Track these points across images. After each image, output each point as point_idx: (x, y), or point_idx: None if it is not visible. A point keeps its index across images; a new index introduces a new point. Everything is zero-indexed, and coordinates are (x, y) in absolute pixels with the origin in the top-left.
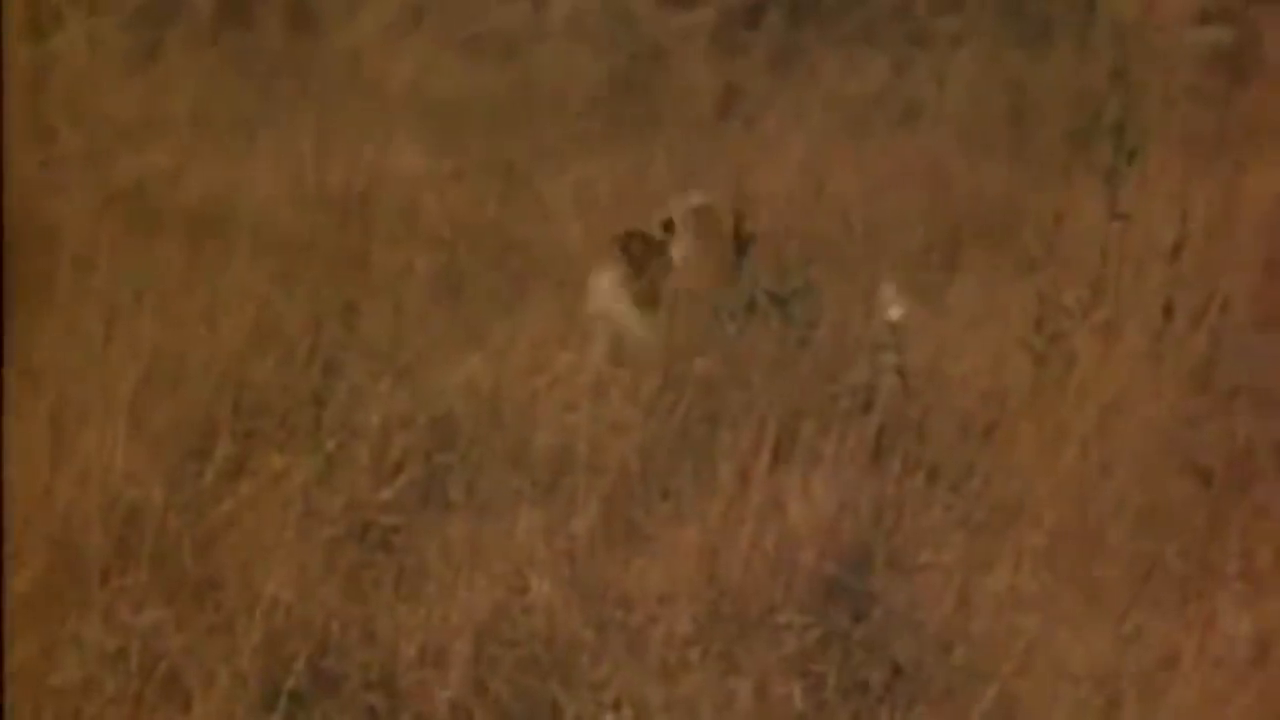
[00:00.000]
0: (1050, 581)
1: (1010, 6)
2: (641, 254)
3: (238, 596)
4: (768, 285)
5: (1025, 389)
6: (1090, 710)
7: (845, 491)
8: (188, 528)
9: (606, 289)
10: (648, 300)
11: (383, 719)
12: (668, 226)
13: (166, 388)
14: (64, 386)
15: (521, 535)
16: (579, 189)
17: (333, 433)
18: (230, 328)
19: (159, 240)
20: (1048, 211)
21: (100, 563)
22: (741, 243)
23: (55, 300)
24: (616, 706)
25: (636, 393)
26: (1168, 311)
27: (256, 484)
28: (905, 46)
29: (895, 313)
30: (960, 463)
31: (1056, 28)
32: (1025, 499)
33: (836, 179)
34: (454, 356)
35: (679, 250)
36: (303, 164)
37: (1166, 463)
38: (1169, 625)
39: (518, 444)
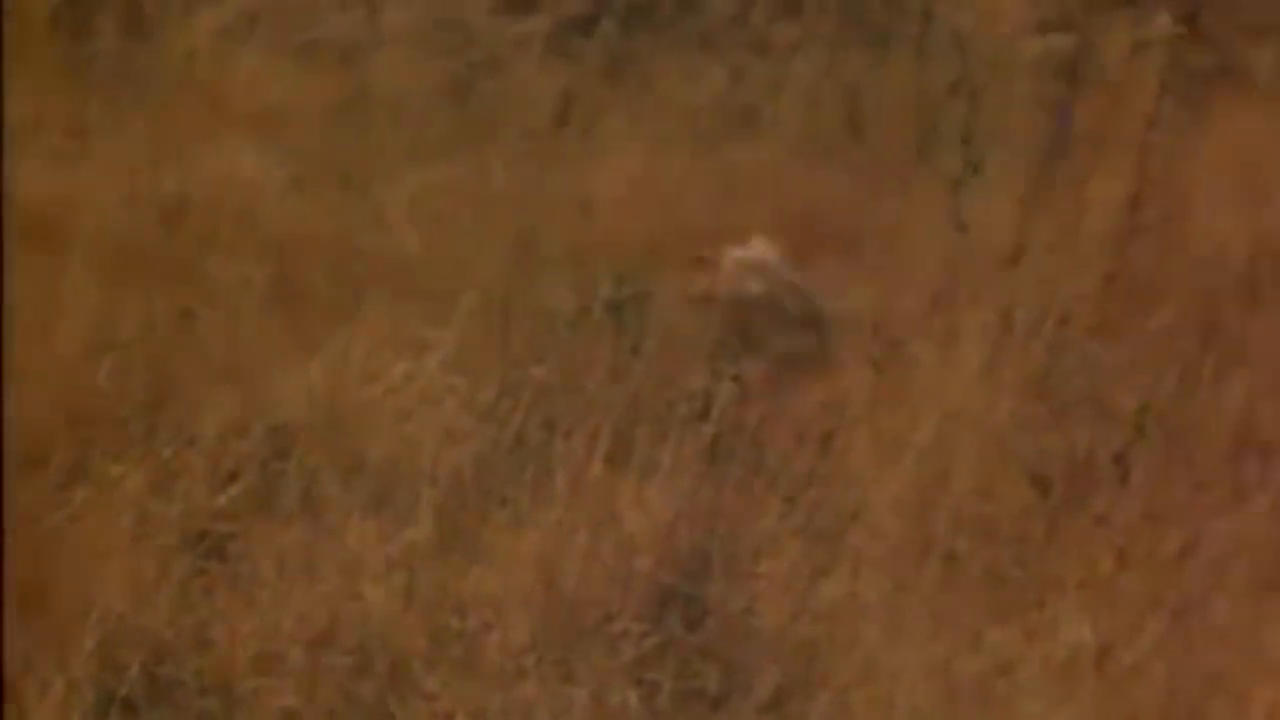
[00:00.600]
0: (888, 590)
1: (849, 14)
2: None
3: (71, 604)
4: (604, 293)
5: (864, 397)
6: (926, 716)
7: (681, 499)
8: (22, 535)
9: None
10: None
11: None
12: None
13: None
14: None
15: (356, 543)
16: (416, 197)
17: (168, 441)
18: (65, 335)
19: None
20: (888, 220)
21: None
22: None
23: None
24: (451, 715)
25: (472, 401)
26: (1007, 321)
27: (91, 492)
28: (742, 54)
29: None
30: (798, 471)
31: (895, 36)
32: (863, 507)
33: (674, 187)
34: (290, 365)
35: None
36: (137, 170)
37: (1005, 472)
38: (1008, 633)
39: (353, 452)
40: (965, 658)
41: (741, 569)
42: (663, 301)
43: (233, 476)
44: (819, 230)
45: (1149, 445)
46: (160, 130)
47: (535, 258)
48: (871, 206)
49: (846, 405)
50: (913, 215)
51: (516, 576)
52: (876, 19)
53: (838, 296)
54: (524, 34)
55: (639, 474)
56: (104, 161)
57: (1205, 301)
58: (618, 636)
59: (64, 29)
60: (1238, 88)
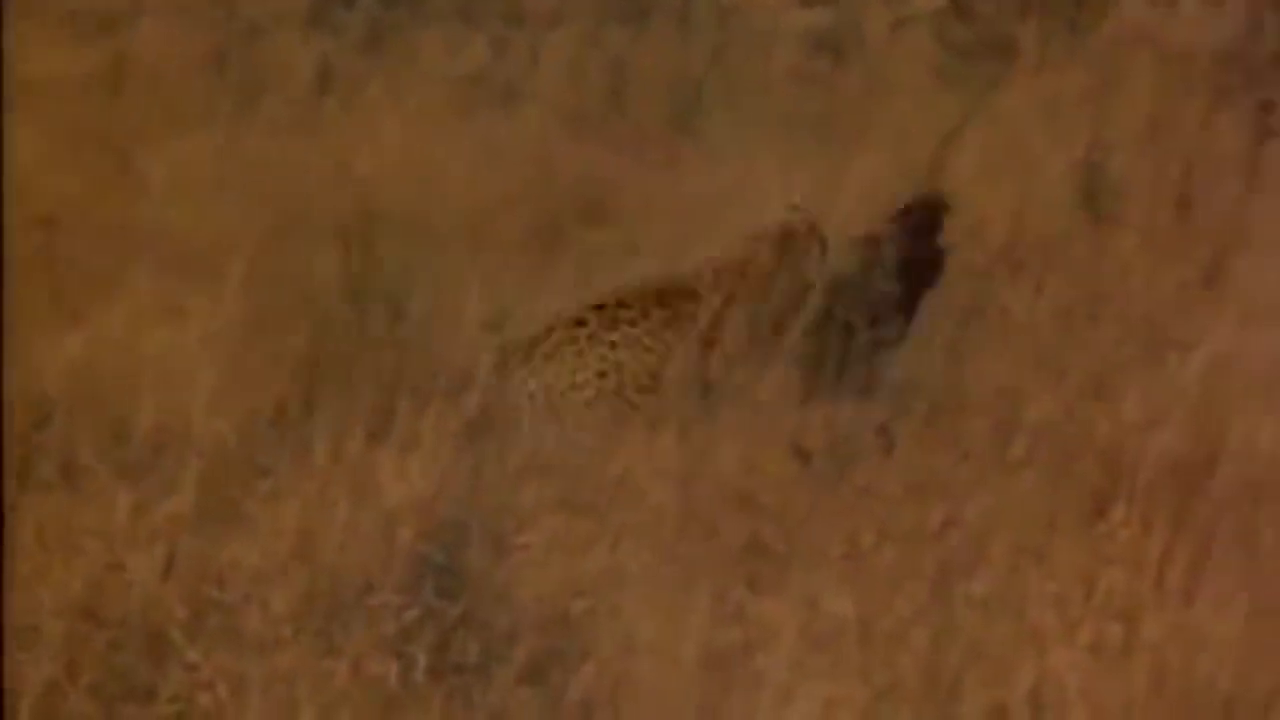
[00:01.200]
0: (651, 561)
1: None
2: None
3: None
4: (366, 264)
5: None
6: (691, 689)
7: (442, 471)
8: None
9: None
10: None
11: None
12: None
13: None
14: None
15: (117, 514)
16: (177, 168)
17: None
18: None
19: None
20: (649, 192)
21: None
22: None
23: None
24: (212, 685)
25: (234, 371)
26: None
27: None
28: (503, 26)
29: None
30: (560, 443)
31: (656, 7)
32: (626, 478)
33: (436, 160)
34: (53, 336)
35: None
36: None
37: (768, 444)
38: (771, 604)
39: (115, 423)
40: (726, 629)
41: (502, 541)
42: (425, 272)
43: None
44: (581, 201)
45: (912, 418)
46: None
47: (297, 227)
48: (633, 178)
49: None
50: (674, 186)
51: (277, 548)
52: None
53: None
54: (284, 5)
55: (399, 447)
56: None
57: (970, 276)
58: (377, 608)
59: None
60: (1002, 62)
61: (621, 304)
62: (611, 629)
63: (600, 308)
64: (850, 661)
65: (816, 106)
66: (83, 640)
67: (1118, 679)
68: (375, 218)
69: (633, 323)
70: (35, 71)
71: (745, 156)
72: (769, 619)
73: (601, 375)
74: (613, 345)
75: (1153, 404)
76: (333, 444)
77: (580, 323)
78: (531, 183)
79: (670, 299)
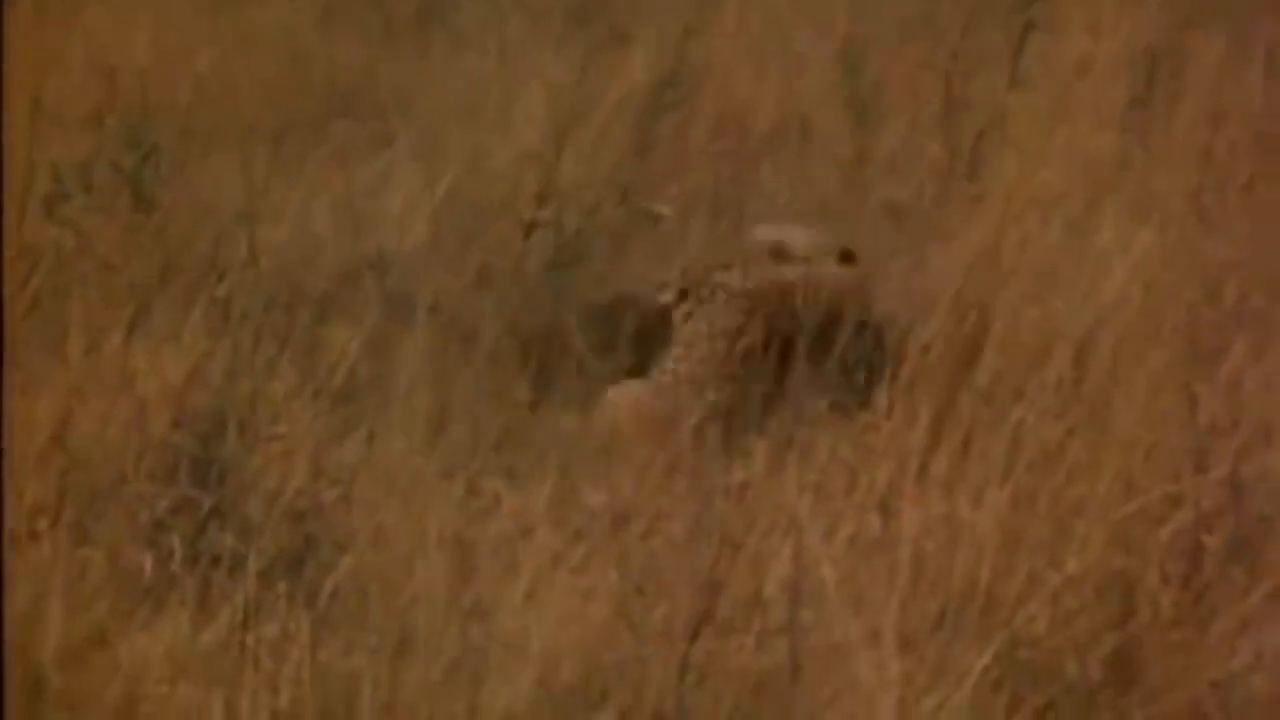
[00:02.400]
0: (404, 452)
1: None
2: None
3: None
4: (115, 156)
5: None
6: (443, 580)
7: (196, 361)
8: None
9: None
10: None
11: None
12: None
13: None
14: None
15: None
16: None
17: None
18: None
19: None
20: (402, 84)
21: None
22: None
23: None
24: None
25: None
26: (545, 192)
27: None
28: None
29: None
30: (310, 336)
31: None
32: (381, 372)
33: (188, 52)
34: None
35: None
36: None
37: (520, 337)
38: (527, 498)
39: None
40: (481, 521)
41: (256, 431)
42: (178, 164)
43: None
44: (334, 93)
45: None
46: None
47: (49, 118)
48: (387, 69)
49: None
50: (429, 80)
51: (31, 440)
52: None
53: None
54: None
55: (154, 338)
56: None
57: (730, 163)
58: (132, 499)
59: None
60: None
61: None
62: (365, 520)
63: None
64: (606, 553)
65: None
66: None
67: (876, 571)
68: (129, 109)
69: None
70: None
71: (499, 47)
72: (524, 511)
73: None
74: None
75: (915, 296)
76: (88, 336)
77: None
78: (284, 75)
79: None
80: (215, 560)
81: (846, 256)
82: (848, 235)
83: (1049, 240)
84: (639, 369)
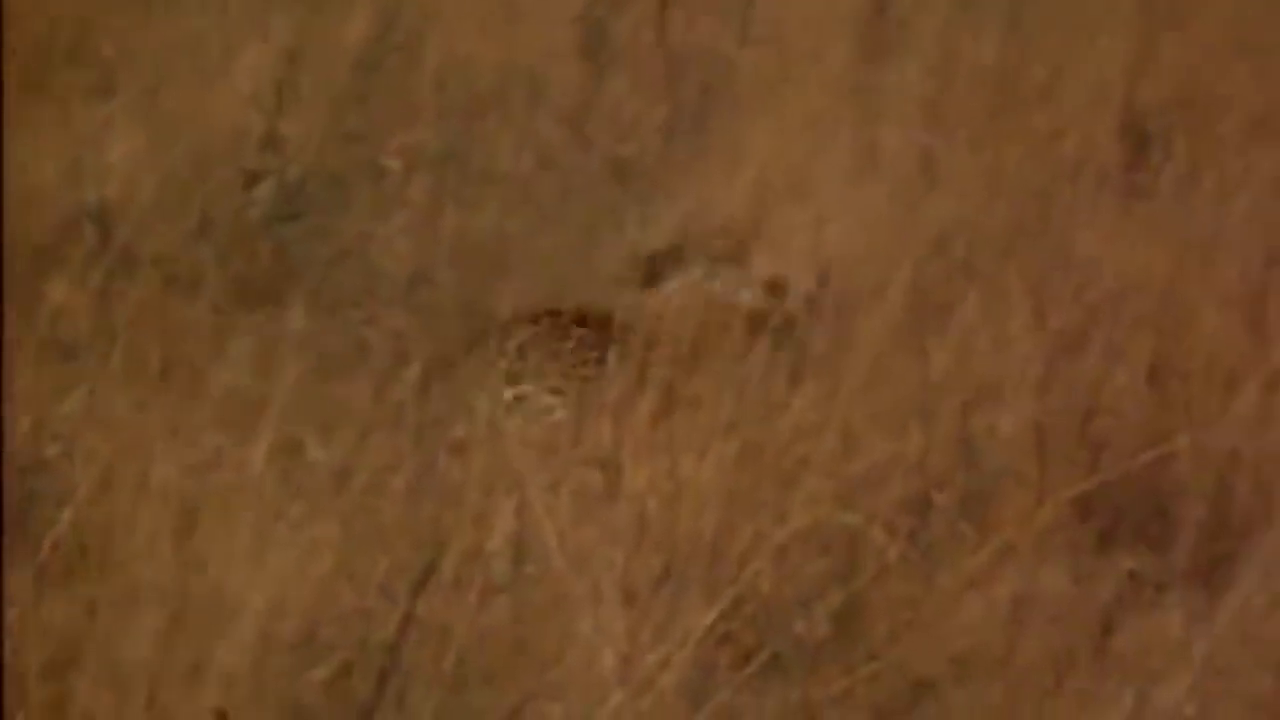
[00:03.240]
0: (126, 406)
1: None
2: None
3: None
4: None
5: None
6: (166, 534)
7: None
8: None
9: None
10: None
11: None
12: None
13: None
14: None
15: None
16: None
17: None
18: None
19: None
20: (125, 34)
21: None
22: None
23: None
24: None
25: None
26: None
27: None
28: None
29: None
30: (30, 288)
31: None
32: (104, 325)
33: None
34: None
35: None
36: None
37: None
38: (250, 451)
39: None
40: (205, 476)
41: None
42: None
43: None
44: (58, 42)
45: None
46: None
47: None
48: (109, 19)
49: None
50: (151, 28)
51: None
52: None
53: None
54: None
55: None
56: None
57: (454, 118)
58: None
59: None
60: None
61: None
62: (87, 474)
63: None
64: (328, 508)
65: None
66: None
67: (600, 527)
68: None
69: None
70: None
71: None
72: (250, 466)
73: None
74: None
75: (640, 253)
76: None
77: None
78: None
79: None
80: None
81: None
82: (571, 189)
83: (773, 201)
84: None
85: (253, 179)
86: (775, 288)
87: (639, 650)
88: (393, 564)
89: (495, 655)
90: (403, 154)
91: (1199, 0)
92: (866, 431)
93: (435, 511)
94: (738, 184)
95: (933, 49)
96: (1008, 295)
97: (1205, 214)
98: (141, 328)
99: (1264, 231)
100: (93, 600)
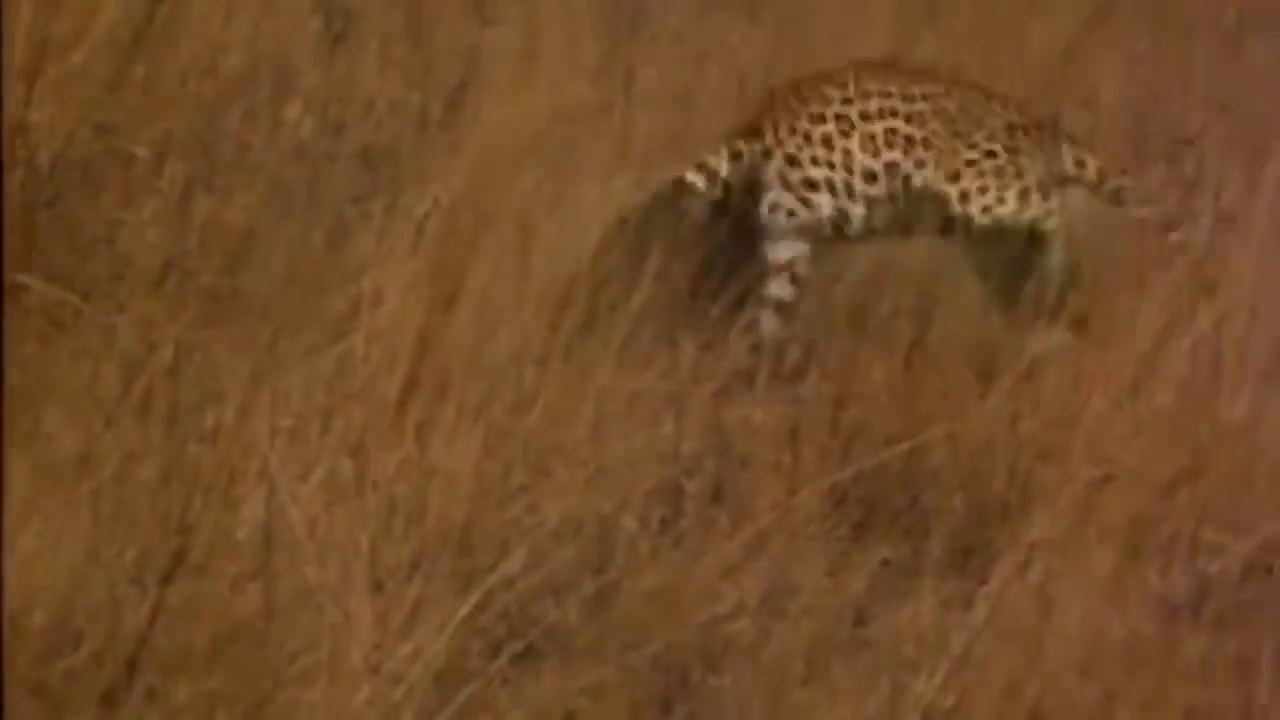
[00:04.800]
0: None
1: None
2: None
3: None
4: None
5: None
6: None
7: None
8: None
9: None
10: None
11: None
12: None
13: None
14: None
15: None
16: None
17: None
18: None
19: None
20: None
21: None
22: None
23: None
24: None
25: None
26: None
27: None
28: None
29: None
30: None
31: None
32: None
33: None
34: None
35: None
36: None
37: None
38: None
39: None
40: None
41: None
42: None
43: None
44: None
45: None
46: None
47: None
48: None
49: None
50: None
51: None
52: None
53: None
54: None
55: None
56: None
57: (202, 110)
58: None
59: None
60: None
61: None
62: None
63: None
64: (77, 495)
65: None
66: None
67: (349, 515)
68: None
69: None
70: None
71: None
72: None
73: None
74: None
75: (389, 241)
76: None
77: None
78: None
79: None
80: None
81: None
82: (322, 177)
83: (527, 189)
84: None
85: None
86: (527, 277)
87: (390, 640)
88: (142, 552)
89: (246, 643)
90: (153, 143)
91: None
92: (619, 420)
93: (185, 499)
94: (488, 174)
95: (684, 34)
96: None
97: None
98: None
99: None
100: None
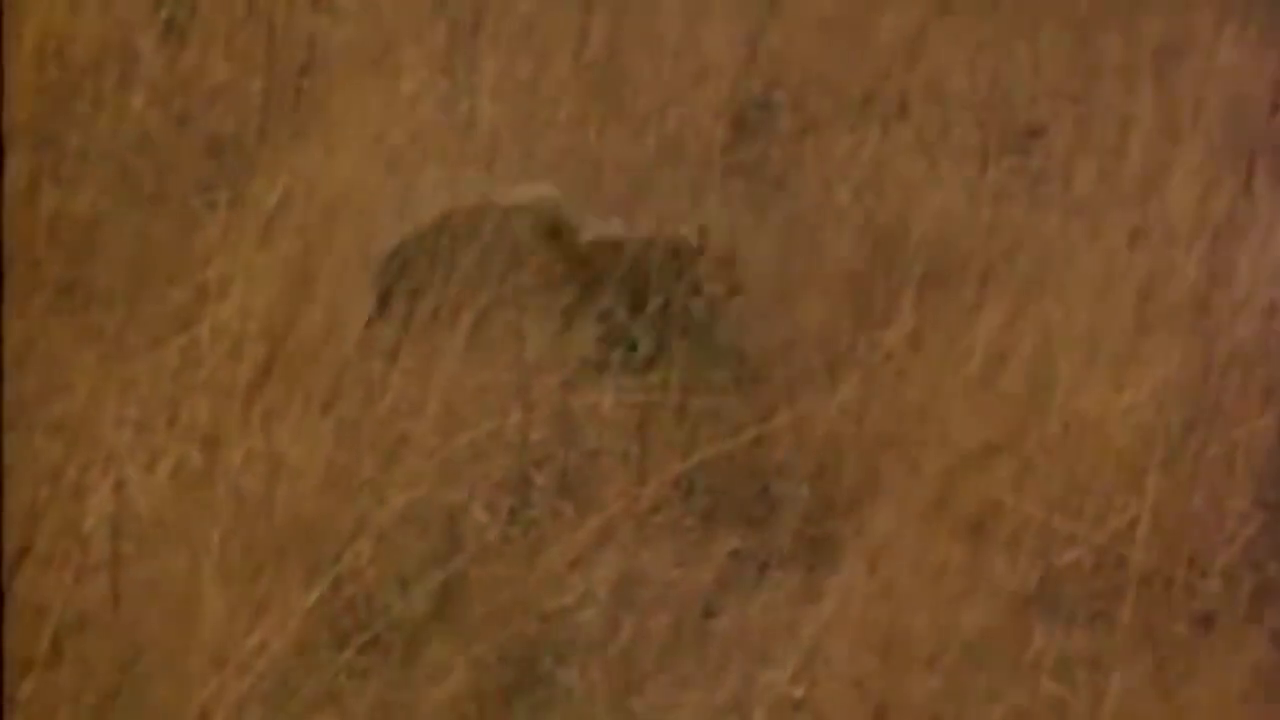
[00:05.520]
0: None
1: None
2: None
3: None
4: None
5: None
6: None
7: None
8: None
9: None
10: None
11: None
12: None
13: None
14: None
15: None
16: None
17: None
18: None
19: None
20: None
21: None
22: None
23: None
24: None
25: None
26: None
27: None
28: None
29: None
30: None
31: None
32: None
33: None
34: None
35: None
36: None
37: None
38: None
39: None
40: None
41: None
42: None
43: None
44: None
45: None
46: None
47: None
48: None
49: None
50: None
51: None
52: None
53: None
54: None
55: None
56: None
57: (49, 97)
58: None
59: None
60: None
61: None
62: None
63: None
64: None
65: None
66: None
67: (197, 506)
68: None
69: None
70: None
71: None
72: None
73: None
74: None
75: (235, 232)
76: None
77: None
78: None
79: None
80: None
81: None
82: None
83: (373, 179)
84: None
85: None
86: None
87: (238, 632)
88: None
89: (93, 635)
90: None
91: None
92: (466, 410)
93: (31, 490)
94: (337, 164)
95: (524, 29)
96: None
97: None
98: None
99: (867, 213)
100: None
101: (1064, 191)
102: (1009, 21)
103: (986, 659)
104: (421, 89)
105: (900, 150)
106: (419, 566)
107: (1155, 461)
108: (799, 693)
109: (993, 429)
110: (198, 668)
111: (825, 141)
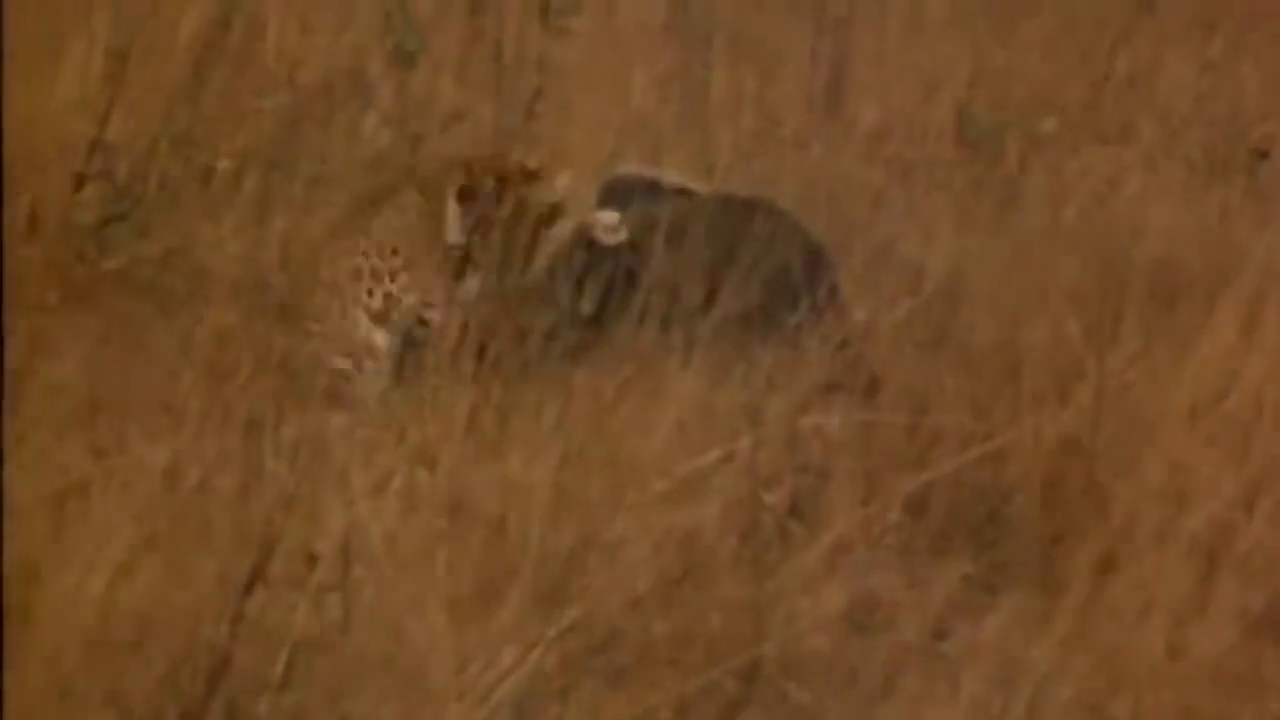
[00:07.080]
0: None
1: None
2: None
3: None
4: None
5: None
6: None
7: None
8: None
9: None
10: None
11: None
12: None
13: None
14: None
15: None
16: None
17: None
18: None
19: None
20: None
21: None
22: None
23: None
24: None
25: None
26: None
27: None
28: None
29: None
30: None
31: None
32: None
33: None
34: None
35: None
36: None
37: None
38: (75, 452)
39: None
40: (30, 480)
41: None
42: None
43: None
44: None
45: None
46: None
47: None
48: None
49: None
50: None
51: None
52: None
53: None
54: None
55: None
56: None
57: (282, 120)
58: None
59: None
60: None
61: None
62: None
63: None
64: (158, 508)
65: None
66: None
67: (425, 527)
68: None
69: None
70: None
71: None
72: (77, 468)
73: None
74: None
75: None
76: None
77: None
78: None
79: None
80: None
81: None
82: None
83: None
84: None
85: (80, 180)
86: None
87: (470, 658)
88: (222, 564)
89: (325, 657)
90: (232, 155)
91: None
92: (696, 433)
93: (265, 511)
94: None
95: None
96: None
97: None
98: None
99: (1094, 232)
100: None
101: None
102: (1234, 42)
103: (1218, 680)
104: (654, 108)
105: (1127, 170)
106: (653, 591)
107: None
108: (1030, 715)
109: (1220, 449)
110: (435, 696)
111: (1052, 161)
